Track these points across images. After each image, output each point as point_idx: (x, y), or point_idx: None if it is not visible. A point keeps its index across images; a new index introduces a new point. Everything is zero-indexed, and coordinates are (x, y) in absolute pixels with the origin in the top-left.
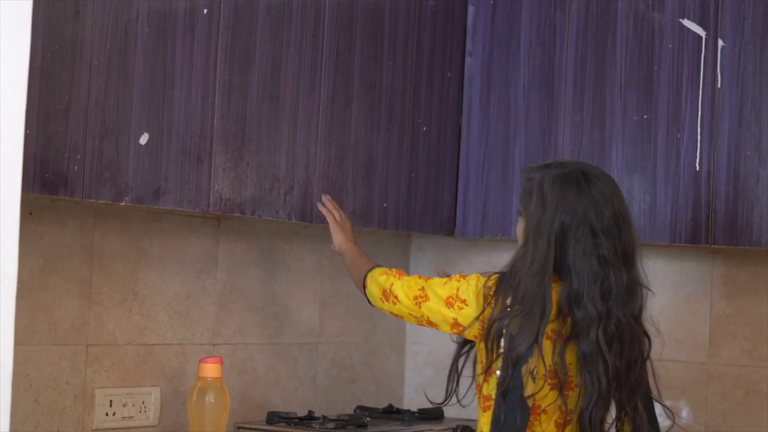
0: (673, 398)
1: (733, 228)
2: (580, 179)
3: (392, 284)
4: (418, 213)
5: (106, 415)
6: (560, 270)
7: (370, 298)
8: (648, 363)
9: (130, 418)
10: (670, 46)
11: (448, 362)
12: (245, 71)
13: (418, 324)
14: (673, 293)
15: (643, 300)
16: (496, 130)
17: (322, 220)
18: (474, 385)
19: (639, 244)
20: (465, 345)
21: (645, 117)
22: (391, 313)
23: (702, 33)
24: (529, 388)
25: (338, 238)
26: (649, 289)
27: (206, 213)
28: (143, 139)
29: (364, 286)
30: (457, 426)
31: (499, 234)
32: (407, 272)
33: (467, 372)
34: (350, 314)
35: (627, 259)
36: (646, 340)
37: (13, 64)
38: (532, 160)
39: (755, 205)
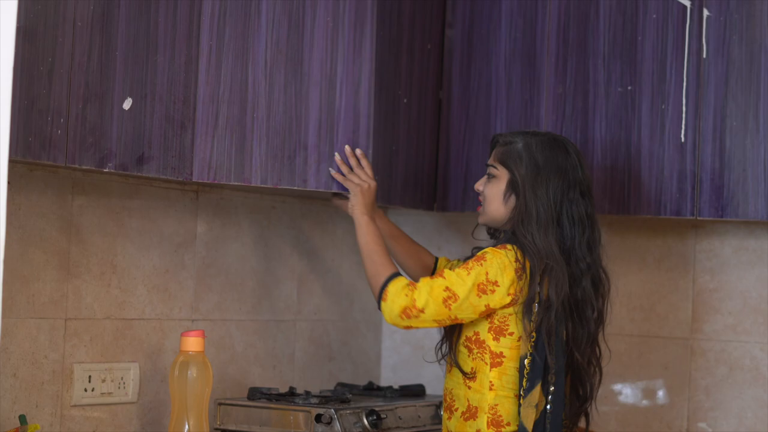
0: (656, 374)
1: (719, 200)
2: (562, 143)
3: (414, 300)
4: (399, 187)
5: (85, 390)
6: (559, 222)
7: (385, 312)
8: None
9: (109, 394)
10: (654, 16)
11: (426, 342)
12: (229, 37)
13: (436, 326)
14: (655, 268)
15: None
16: (477, 103)
17: (318, 186)
18: (454, 350)
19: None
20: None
21: (629, 88)
22: (408, 327)
23: (687, 2)
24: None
25: (354, 206)
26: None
27: (186, 183)
28: (126, 104)
29: (381, 298)
30: (440, 402)
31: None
32: None
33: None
34: (327, 292)
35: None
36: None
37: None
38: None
39: (741, 177)
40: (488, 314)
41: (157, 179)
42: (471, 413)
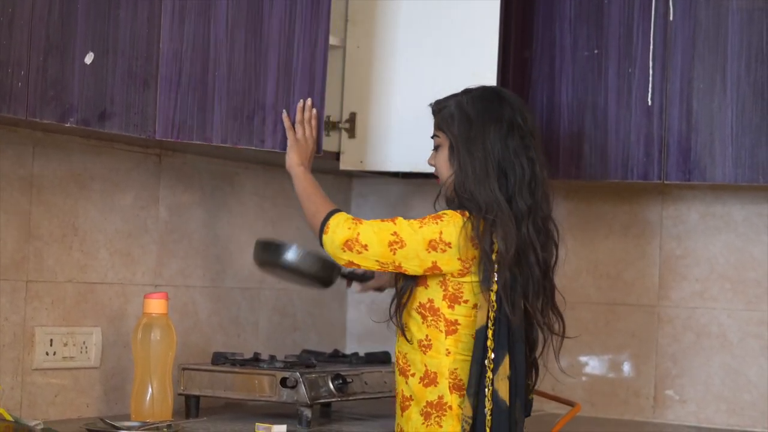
0: (622, 342)
1: (686, 163)
2: (496, 93)
3: (358, 233)
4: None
5: (47, 354)
6: (500, 173)
7: (327, 245)
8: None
9: (71, 358)
10: None
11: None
12: None
13: (379, 270)
14: (621, 235)
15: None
16: None
17: (274, 147)
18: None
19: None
20: (410, 280)
21: (595, 52)
22: (349, 262)
23: None
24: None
25: (290, 157)
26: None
27: (149, 147)
28: (88, 59)
29: (323, 231)
30: None
31: None
32: None
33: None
34: None
35: (541, 159)
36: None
37: None
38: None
39: (708, 140)
40: (436, 275)
41: (120, 141)
42: (430, 379)
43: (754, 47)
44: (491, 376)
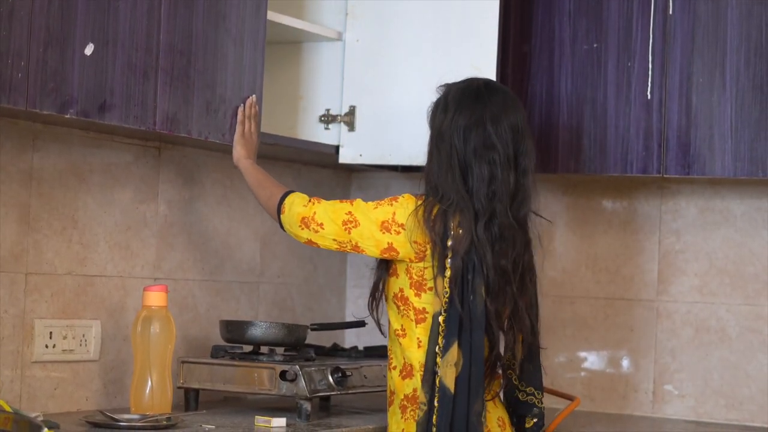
0: (621, 337)
1: (686, 157)
2: (481, 89)
3: (314, 212)
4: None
5: (46, 347)
6: (463, 169)
7: (286, 224)
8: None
9: (71, 351)
10: None
11: None
12: None
13: (339, 249)
14: (620, 230)
15: (529, 208)
16: None
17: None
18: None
19: (533, 160)
20: (382, 270)
21: (595, 45)
22: (309, 240)
23: None
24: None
25: (237, 151)
26: (541, 216)
27: (148, 140)
28: (88, 50)
29: (280, 211)
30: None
31: None
32: None
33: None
34: (291, 254)
35: (518, 168)
36: (530, 247)
37: None
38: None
39: (707, 134)
40: (396, 258)
41: (119, 134)
42: (407, 371)
43: (753, 41)
44: (439, 362)
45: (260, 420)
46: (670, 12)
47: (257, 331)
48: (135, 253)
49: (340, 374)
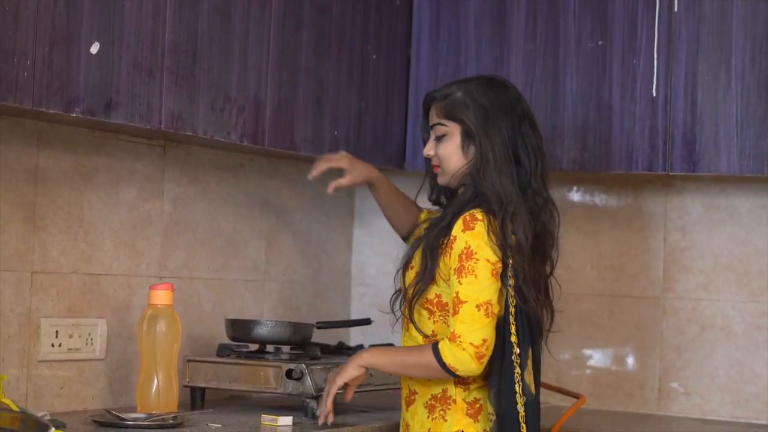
0: (627, 334)
1: (691, 155)
2: (501, 81)
3: (471, 342)
4: (368, 144)
5: (52, 346)
6: (511, 166)
7: (460, 364)
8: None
9: (77, 350)
10: None
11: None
12: None
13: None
14: (625, 227)
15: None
16: (447, 61)
17: (273, 144)
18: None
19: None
20: (422, 282)
21: (600, 43)
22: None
23: None
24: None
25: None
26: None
27: (153, 138)
28: (94, 49)
29: (442, 362)
30: None
31: None
32: (352, 211)
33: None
34: (296, 252)
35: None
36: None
37: None
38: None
39: (713, 132)
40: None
41: (124, 133)
42: None
43: (758, 39)
44: (520, 372)
45: (266, 418)
46: (675, 10)
47: (263, 330)
48: (140, 251)
49: None
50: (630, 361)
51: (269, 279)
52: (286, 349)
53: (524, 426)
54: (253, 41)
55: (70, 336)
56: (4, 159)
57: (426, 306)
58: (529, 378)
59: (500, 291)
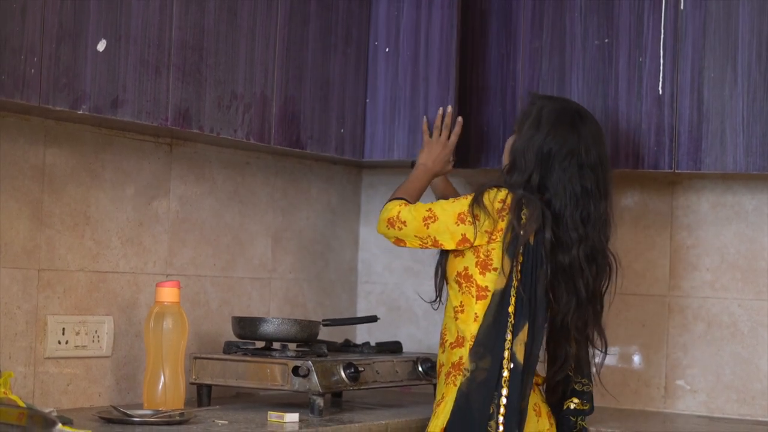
0: (633, 332)
1: (697, 152)
2: (575, 117)
3: (399, 212)
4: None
5: (59, 343)
6: (541, 189)
7: (378, 222)
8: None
9: (83, 347)
10: None
11: (401, 302)
12: None
13: (421, 246)
14: (632, 225)
15: (611, 232)
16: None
17: (280, 142)
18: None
19: (613, 184)
20: (444, 253)
21: (606, 41)
22: (395, 238)
23: None
24: None
25: (419, 155)
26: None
27: (160, 136)
28: (101, 46)
29: (382, 209)
30: (417, 358)
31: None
32: (358, 208)
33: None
34: (303, 250)
35: (604, 195)
36: (609, 270)
37: None
38: (489, 87)
39: (719, 129)
40: (467, 246)
41: (131, 130)
42: (458, 342)
43: (764, 36)
44: (511, 339)
45: (273, 415)
46: (682, 7)
47: (270, 328)
48: (147, 249)
49: (352, 370)
50: (636, 358)
51: (276, 276)
52: (292, 346)
53: (506, 388)
54: (260, 38)
55: (77, 333)
56: (11, 157)
57: (456, 279)
58: (519, 349)
59: (505, 260)
